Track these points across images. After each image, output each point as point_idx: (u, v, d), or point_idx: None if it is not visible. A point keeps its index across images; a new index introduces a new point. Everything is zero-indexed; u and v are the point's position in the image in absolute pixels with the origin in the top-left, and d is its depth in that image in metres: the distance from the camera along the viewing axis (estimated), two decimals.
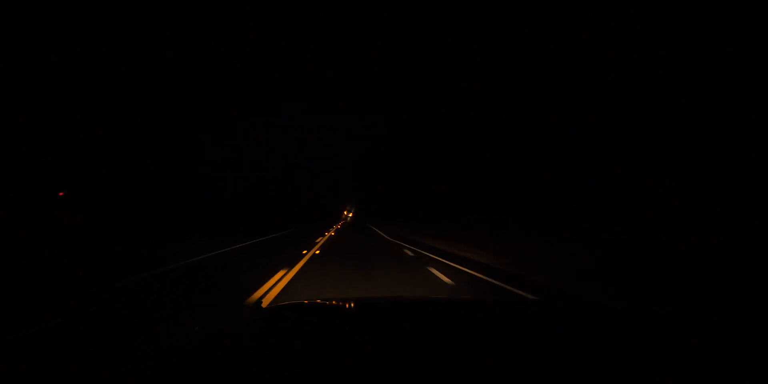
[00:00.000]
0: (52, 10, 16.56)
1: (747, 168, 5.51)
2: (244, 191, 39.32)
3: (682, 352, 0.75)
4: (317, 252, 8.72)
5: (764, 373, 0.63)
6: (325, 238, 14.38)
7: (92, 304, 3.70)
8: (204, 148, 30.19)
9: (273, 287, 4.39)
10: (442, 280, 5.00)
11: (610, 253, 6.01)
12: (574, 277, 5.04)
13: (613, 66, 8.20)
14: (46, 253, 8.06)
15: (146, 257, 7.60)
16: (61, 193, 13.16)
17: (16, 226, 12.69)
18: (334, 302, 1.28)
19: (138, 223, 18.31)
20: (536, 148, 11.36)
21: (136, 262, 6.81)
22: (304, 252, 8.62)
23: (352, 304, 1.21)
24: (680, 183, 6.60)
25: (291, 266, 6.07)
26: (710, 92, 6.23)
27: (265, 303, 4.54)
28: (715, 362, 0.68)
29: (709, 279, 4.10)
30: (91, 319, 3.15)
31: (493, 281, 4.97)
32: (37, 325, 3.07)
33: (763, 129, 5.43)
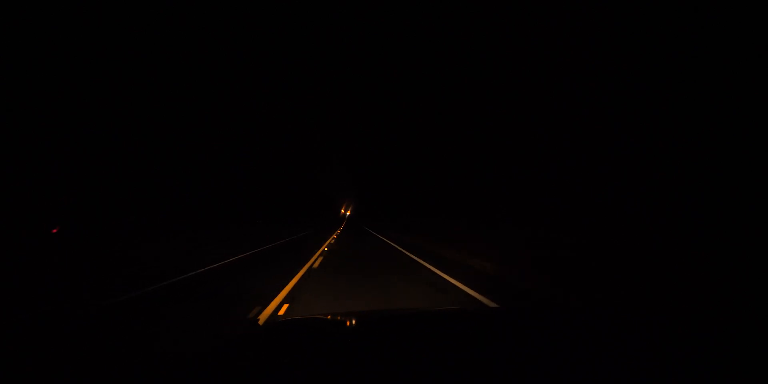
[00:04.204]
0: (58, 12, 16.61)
1: (745, 167, 5.52)
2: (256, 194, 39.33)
3: (670, 355, 0.73)
4: None
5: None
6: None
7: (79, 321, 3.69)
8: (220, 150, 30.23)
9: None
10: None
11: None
12: None
13: (599, 62, 8.23)
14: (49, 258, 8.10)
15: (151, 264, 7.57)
16: (54, 230, 13.27)
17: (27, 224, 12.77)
18: (329, 317, 1.27)
19: (156, 222, 18.56)
20: (536, 147, 11.37)
21: (139, 268, 6.83)
22: None
23: (353, 321, 1.20)
24: (676, 180, 6.61)
25: None
26: (704, 91, 6.24)
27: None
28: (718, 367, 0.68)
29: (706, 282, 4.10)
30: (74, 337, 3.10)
31: None
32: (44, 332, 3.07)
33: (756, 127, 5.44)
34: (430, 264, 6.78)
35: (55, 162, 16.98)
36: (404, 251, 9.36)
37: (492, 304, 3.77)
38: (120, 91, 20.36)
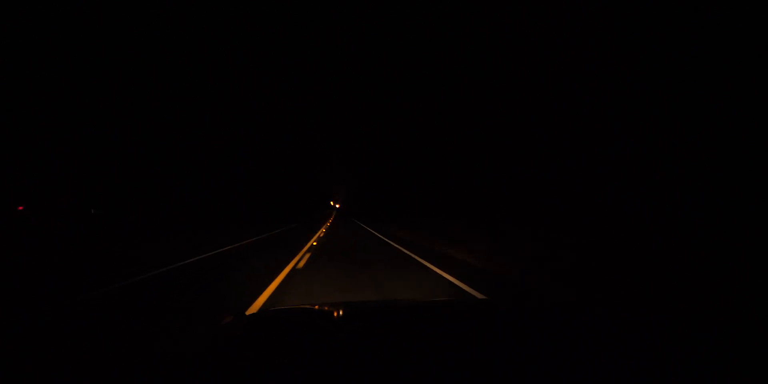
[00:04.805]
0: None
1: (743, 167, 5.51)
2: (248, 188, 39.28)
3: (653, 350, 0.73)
4: None
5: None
6: None
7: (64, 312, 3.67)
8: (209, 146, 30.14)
9: None
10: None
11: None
12: None
13: (599, 62, 8.23)
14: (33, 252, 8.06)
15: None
16: (20, 208, 13.47)
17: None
18: (317, 307, 1.26)
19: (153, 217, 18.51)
20: (533, 146, 11.37)
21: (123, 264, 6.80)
22: None
23: (340, 311, 1.19)
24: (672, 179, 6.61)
25: None
26: (702, 90, 6.24)
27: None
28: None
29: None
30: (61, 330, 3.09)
31: None
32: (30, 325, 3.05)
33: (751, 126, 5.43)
34: (431, 262, 6.80)
35: (55, 162, 16.99)
36: (402, 248, 9.37)
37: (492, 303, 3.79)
38: (120, 91, 20.36)
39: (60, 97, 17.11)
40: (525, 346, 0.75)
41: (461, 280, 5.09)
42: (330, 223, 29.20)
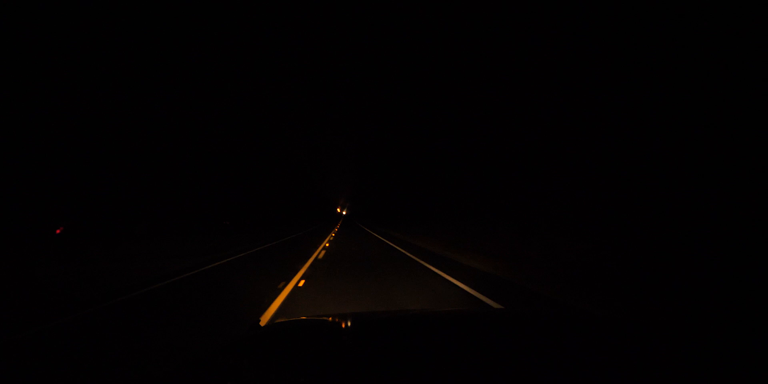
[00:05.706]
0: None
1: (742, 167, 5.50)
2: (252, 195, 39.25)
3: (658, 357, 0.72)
4: None
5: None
6: None
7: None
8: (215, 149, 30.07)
9: None
10: None
11: None
12: None
13: (601, 63, 8.27)
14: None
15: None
16: (58, 231, 13.54)
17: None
18: (331, 319, 1.26)
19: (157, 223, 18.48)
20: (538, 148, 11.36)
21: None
22: None
23: (349, 322, 1.19)
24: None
25: None
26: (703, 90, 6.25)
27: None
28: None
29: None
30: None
31: None
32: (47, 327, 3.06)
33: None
34: (432, 264, 6.80)
35: (55, 165, 16.99)
36: (399, 248, 9.39)
37: (496, 306, 3.78)
38: (120, 92, 20.38)
39: (56, 98, 17.08)
40: (529, 350, 0.74)
41: (463, 283, 5.09)
42: (338, 227, 29.24)
